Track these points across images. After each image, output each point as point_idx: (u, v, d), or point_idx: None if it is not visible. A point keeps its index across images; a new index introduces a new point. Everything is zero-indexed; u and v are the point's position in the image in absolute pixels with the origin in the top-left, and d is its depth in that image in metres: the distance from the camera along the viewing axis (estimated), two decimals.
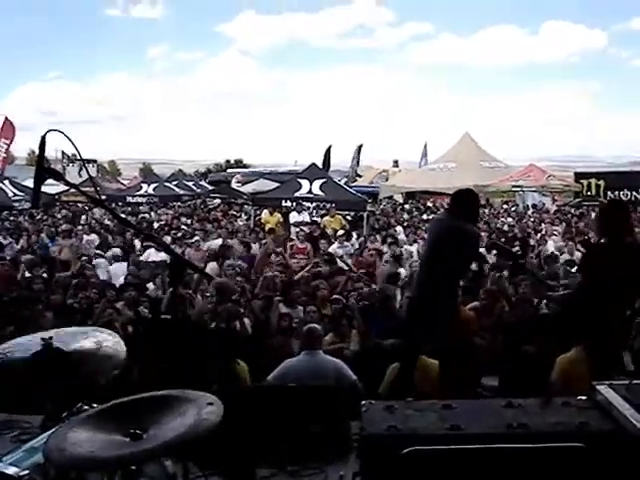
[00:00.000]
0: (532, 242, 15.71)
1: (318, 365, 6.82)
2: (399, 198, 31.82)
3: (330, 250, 14.60)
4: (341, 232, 16.91)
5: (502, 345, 8.06)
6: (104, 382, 3.78)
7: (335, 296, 9.16)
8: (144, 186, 32.90)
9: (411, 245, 15.56)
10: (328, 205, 19.27)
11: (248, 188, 32.31)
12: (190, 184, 36.24)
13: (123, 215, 22.82)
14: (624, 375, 3.25)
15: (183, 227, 19.81)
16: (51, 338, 3.47)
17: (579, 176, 29.63)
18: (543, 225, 19.11)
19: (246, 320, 8.68)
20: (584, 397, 3.23)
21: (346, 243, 15.40)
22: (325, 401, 5.75)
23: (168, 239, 15.88)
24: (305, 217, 19.08)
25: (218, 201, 31.57)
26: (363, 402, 3.15)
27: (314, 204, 19.63)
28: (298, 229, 16.65)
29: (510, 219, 21.31)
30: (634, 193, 26.93)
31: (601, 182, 28.11)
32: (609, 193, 27.60)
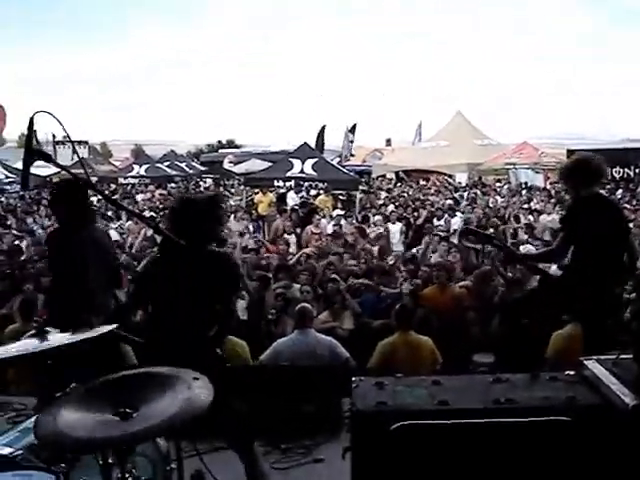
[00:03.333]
0: (523, 220, 15.79)
1: (311, 344, 6.86)
2: (392, 176, 31.79)
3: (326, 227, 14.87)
4: (338, 211, 17.05)
5: (498, 322, 8.11)
6: None
7: (333, 275, 9.17)
8: (136, 167, 32.85)
9: (394, 224, 15.61)
10: (320, 184, 19.30)
11: (240, 168, 32.25)
12: (182, 165, 36.15)
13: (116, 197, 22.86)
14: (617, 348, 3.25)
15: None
16: None
17: (571, 153, 29.58)
18: (533, 203, 19.16)
19: (241, 302, 8.73)
20: (572, 372, 3.26)
21: (342, 222, 15.49)
22: (318, 379, 5.80)
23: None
24: (302, 198, 19.18)
25: (210, 181, 31.52)
26: (354, 379, 3.18)
27: (306, 183, 19.66)
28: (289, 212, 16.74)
29: (499, 198, 21.26)
30: (626, 170, 26.98)
31: None
32: None
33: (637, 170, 25.41)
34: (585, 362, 3.23)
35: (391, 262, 10.91)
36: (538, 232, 14.48)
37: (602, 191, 21.05)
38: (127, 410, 2.76)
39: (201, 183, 31.95)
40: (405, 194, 23.15)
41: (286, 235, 13.94)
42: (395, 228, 15.45)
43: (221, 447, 5.21)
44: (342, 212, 17.33)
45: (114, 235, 13.97)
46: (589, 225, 5.07)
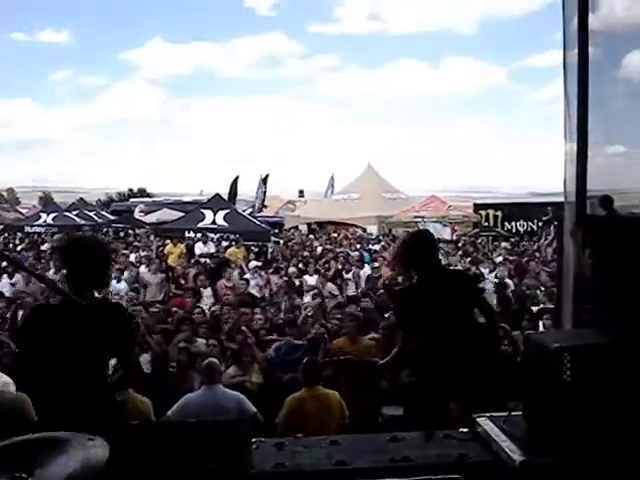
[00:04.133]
0: None
1: (218, 399, 6.82)
2: (304, 228, 32.05)
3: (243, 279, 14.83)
4: (255, 262, 17.09)
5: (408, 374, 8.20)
6: None
7: (243, 328, 9.15)
8: (43, 215, 32.18)
9: (311, 276, 15.75)
10: (232, 236, 19.31)
11: (151, 218, 31.96)
12: (91, 214, 35.48)
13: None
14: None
15: None
16: None
17: (478, 207, 30.68)
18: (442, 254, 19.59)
19: (145, 355, 8.60)
20: (466, 429, 3.37)
21: (257, 274, 15.53)
22: (225, 436, 5.75)
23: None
24: (211, 248, 19.07)
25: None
26: (254, 440, 3.20)
27: (218, 235, 19.65)
28: (203, 261, 16.66)
29: None
30: (529, 223, 28.04)
31: (499, 213, 29.21)
32: (506, 223, 28.67)
33: (540, 224, 26.43)
34: (477, 419, 3.35)
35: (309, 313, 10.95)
36: None
37: (504, 243, 21.68)
38: (22, 475, 2.72)
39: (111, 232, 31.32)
40: (315, 246, 23.32)
41: (202, 288, 13.79)
42: (311, 280, 15.55)
43: None
44: (259, 263, 17.38)
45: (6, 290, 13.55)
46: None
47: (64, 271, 4.32)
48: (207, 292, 13.67)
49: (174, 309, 11.40)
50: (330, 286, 14.74)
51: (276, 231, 26.88)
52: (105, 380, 4.29)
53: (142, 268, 15.92)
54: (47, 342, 4.06)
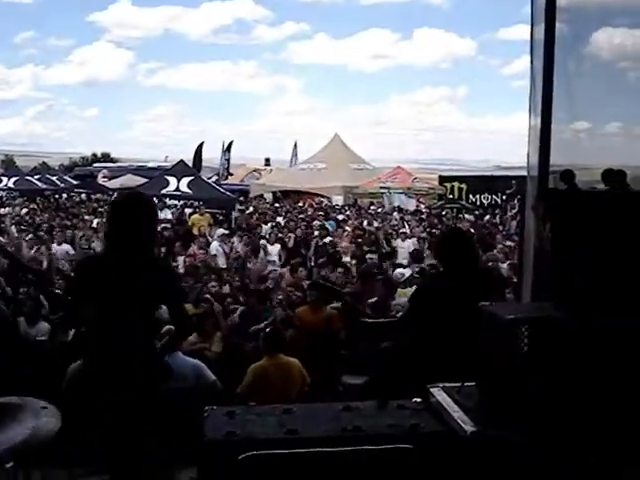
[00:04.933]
0: (394, 243, 16.23)
1: (176, 366, 6.78)
2: (269, 197, 31.95)
3: (212, 247, 14.88)
4: (223, 230, 17.00)
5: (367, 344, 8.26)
6: None
7: (207, 296, 9.11)
8: (4, 179, 31.72)
9: (272, 245, 15.73)
10: (196, 203, 19.18)
11: (115, 184, 31.58)
12: (54, 178, 35.00)
13: None
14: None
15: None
16: None
17: (443, 179, 30.90)
18: (406, 226, 19.70)
19: None
20: (419, 400, 3.38)
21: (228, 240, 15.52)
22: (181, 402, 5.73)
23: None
24: (167, 215, 18.89)
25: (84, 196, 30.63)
26: (205, 408, 3.18)
27: (181, 202, 19.50)
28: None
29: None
30: (494, 197, 28.29)
31: (464, 185, 29.43)
32: (471, 196, 28.88)
33: (504, 197, 26.63)
34: (431, 390, 3.36)
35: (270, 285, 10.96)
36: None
37: (469, 215, 21.76)
38: None
39: (74, 197, 30.88)
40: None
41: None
42: (274, 249, 15.54)
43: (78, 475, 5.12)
44: (226, 231, 17.28)
45: None
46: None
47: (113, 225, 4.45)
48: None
49: None
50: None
51: (242, 199, 26.74)
52: (154, 329, 4.56)
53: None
54: (97, 292, 4.20)
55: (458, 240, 5.47)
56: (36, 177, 33.12)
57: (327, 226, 18.53)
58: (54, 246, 14.30)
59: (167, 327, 4.93)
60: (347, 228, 18.72)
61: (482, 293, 4.69)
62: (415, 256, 13.78)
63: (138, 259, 4.24)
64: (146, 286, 4.18)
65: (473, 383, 3.27)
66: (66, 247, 14.65)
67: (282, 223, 19.77)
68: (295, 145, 41.56)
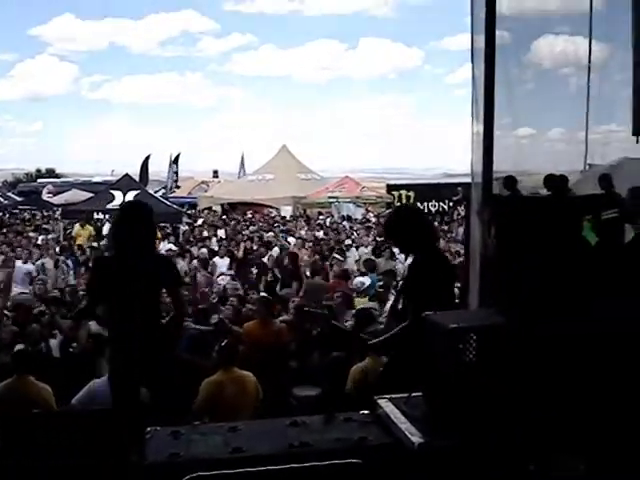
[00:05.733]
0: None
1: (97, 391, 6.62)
2: (218, 209, 31.73)
3: None
4: (171, 246, 16.80)
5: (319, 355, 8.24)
6: None
7: None
8: None
9: (222, 258, 15.63)
10: None
11: (60, 199, 31.01)
12: None
13: None
14: None
15: None
16: None
17: (391, 188, 31.07)
18: (355, 235, 19.76)
19: (53, 341, 8.36)
20: (366, 412, 3.34)
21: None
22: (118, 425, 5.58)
23: None
24: None
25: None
26: (148, 429, 3.09)
27: None
28: None
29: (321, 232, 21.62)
30: (441, 204, 28.55)
31: (411, 193, 29.66)
32: (418, 204, 29.10)
33: (451, 204, 26.89)
34: (378, 401, 3.32)
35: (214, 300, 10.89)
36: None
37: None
38: None
39: (18, 214, 30.23)
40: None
41: None
42: (222, 262, 15.42)
43: None
44: (174, 246, 17.06)
45: None
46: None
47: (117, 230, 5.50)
48: None
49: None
50: None
51: (190, 212, 26.51)
52: (159, 313, 5.50)
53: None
54: (113, 284, 5.18)
55: (412, 217, 5.28)
56: None
57: (283, 241, 18.50)
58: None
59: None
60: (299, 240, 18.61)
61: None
62: (369, 265, 13.75)
63: (143, 254, 5.22)
64: (151, 276, 5.18)
65: (420, 393, 3.25)
66: (30, 266, 14.39)
67: (230, 235, 19.68)
68: (242, 157, 41.36)
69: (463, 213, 20.53)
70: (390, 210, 6.31)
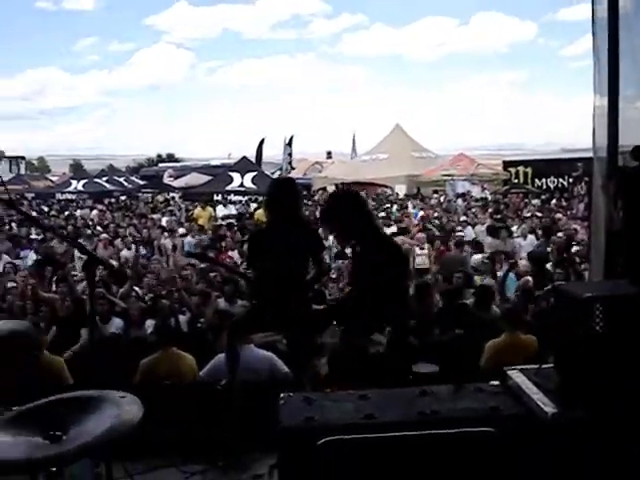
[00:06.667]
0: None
1: (249, 359, 6.82)
2: (332, 189, 31.91)
3: None
4: None
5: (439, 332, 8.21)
6: None
7: None
8: (73, 182, 32.49)
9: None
10: (260, 198, 19.32)
11: (180, 182, 31.99)
12: (121, 179, 35.72)
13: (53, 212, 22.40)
14: None
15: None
16: None
17: (507, 164, 30.34)
18: (470, 213, 19.43)
19: (182, 317, 8.68)
20: (496, 382, 3.34)
21: None
22: (257, 395, 5.79)
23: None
24: (231, 210, 19.03)
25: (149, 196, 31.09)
26: (281, 395, 3.20)
27: (246, 197, 19.66)
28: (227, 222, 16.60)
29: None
30: (560, 180, 27.67)
31: (529, 169, 28.86)
32: (536, 180, 28.33)
33: (571, 180, 26.06)
34: (509, 372, 3.31)
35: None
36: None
37: (535, 200, 21.29)
38: (56, 433, 2.76)
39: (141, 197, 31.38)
40: None
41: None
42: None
43: (156, 466, 5.21)
44: None
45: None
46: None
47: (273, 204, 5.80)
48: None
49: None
50: None
51: (305, 192, 26.81)
52: (306, 274, 5.76)
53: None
54: (266, 252, 5.62)
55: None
56: (104, 179, 33.86)
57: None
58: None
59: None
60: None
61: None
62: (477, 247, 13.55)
63: (289, 225, 5.54)
64: (298, 244, 5.52)
65: (551, 365, 3.22)
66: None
67: None
68: (354, 136, 41.35)
69: (584, 190, 19.89)
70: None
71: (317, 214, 20.63)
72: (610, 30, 4.89)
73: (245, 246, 8.90)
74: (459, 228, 15.80)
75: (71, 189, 31.86)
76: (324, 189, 31.78)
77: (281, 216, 5.65)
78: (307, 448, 2.79)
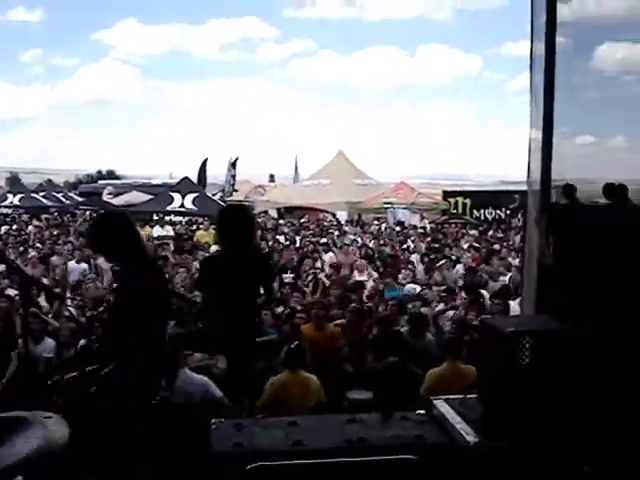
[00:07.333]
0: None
1: (182, 383, 6.78)
2: (274, 213, 31.92)
3: None
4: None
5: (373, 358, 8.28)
6: None
7: None
8: (9, 196, 31.82)
9: None
10: (200, 219, 19.25)
11: (120, 200, 31.55)
12: (59, 195, 35.08)
13: None
14: None
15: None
16: None
17: (447, 194, 30.82)
18: (409, 241, 19.67)
19: None
20: (422, 411, 3.42)
21: None
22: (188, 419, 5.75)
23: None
24: (169, 231, 18.87)
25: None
26: (213, 420, 3.22)
27: (186, 218, 19.57)
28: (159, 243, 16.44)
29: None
30: (498, 212, 28.25)
31: (467, 200, 29.37)
32: (474, 211, 28.86)
33: (508, 212, 26.62)
34: (434, 402, 3.40)
35: None
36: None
37: (473, 231, 21.50)
38: None
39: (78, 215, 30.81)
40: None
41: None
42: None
43: None
44: None
45: None
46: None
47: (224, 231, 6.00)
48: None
49: None
50: None
51: None
52: (256, 301, 5.96)
53: None
54: (218, 278, 5.71)
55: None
56: (41, 194, 33.22)
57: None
58: (71, 264, 14.40)
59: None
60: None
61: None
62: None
63: (243, 254, 5.72)
64: (250, 272, 5.70)
65: (475, 395, 3.31)
66: (84, 265, 14.69)
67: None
68: (296, 161, 41.50)
69: (520, 222, 20.30)
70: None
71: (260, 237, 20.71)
72: (547, 67, 5.04)
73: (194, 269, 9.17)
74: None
75: (7, 203, 31.20)
76: (266, 212, 31.79)
77: (235, 244, 5.84)
78: (236, 473, 2.82)
